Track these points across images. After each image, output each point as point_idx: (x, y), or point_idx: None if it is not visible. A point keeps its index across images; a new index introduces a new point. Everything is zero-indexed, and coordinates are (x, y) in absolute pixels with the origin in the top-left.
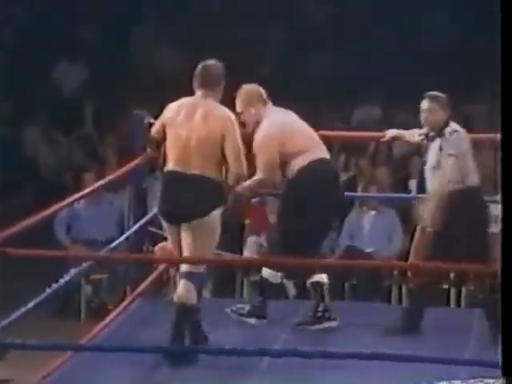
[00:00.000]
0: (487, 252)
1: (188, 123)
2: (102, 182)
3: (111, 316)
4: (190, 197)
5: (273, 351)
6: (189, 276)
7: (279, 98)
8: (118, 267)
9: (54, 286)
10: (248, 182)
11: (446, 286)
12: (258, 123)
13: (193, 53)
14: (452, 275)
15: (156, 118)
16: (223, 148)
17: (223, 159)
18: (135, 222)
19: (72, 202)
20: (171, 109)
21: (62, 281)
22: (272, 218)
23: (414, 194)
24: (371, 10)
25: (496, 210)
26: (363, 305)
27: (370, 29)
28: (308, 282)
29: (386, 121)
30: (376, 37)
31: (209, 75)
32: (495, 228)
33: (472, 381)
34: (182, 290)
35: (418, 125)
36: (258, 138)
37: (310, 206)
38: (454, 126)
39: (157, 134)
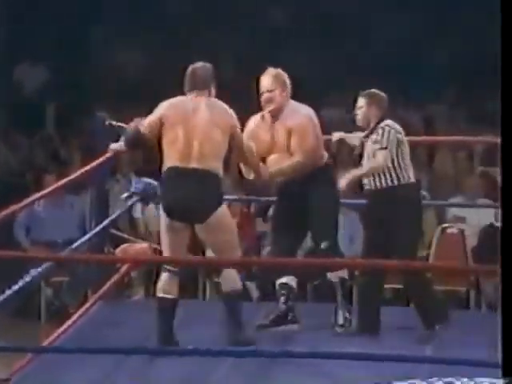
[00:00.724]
0: (416, 249)
1: (190, 119)
2: (61, 182)
3: (72, 318)
4: (198, 192)
5: (235, 351)
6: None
7: (242, 100)
8: (78, 270)
9: (14, 287)
10: (286, 164)
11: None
12: (281, 108)
13: (154, 53)
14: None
15: (117, 120)
16: (231, 140)
17: (228, 152)
18: (97, 224)
19: (31, 203)
20: (168, 106)
21: (21, 282)
22: (235, 220)
23: None
24: (333, 10)
25: (455, 211)
26: (325, 306)
27: (333, 29)
28: (277, 283)
29: (349, 121)
30: (338, 37)
31: (197, 78)
32: (453, 228)
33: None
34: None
35: None
36: (301, 120)
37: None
38: (387, 121)
39: (149, 133)
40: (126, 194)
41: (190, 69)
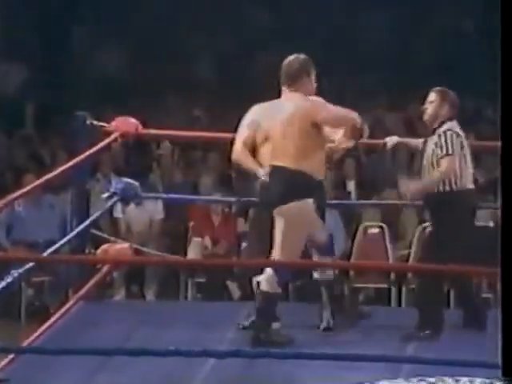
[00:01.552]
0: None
1: (277, 119)
2: (41, 181)
3: (53, 319)
4: (275, 192)
5: (217, 352)
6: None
7: (220, 99)
8: (59, 270)
9: None
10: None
11: (386, 286)
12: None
13: (135, 53)
14: (393, 275)
15: (98, 119)
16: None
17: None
18: (77, 225)
19: (11, 203)
20: (258, 110)
21: (2, 283)
22: (216, 220)
23: (353, 194)
24: (310, 11)
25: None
26: (307, 306)
27: (310, 30)
28: (254, 281)
29: None
30: (315, 37)
31: (288, 71)
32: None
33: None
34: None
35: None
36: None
37: None
38: (450, 124)
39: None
40: (106, 194)
41: (283, 63)
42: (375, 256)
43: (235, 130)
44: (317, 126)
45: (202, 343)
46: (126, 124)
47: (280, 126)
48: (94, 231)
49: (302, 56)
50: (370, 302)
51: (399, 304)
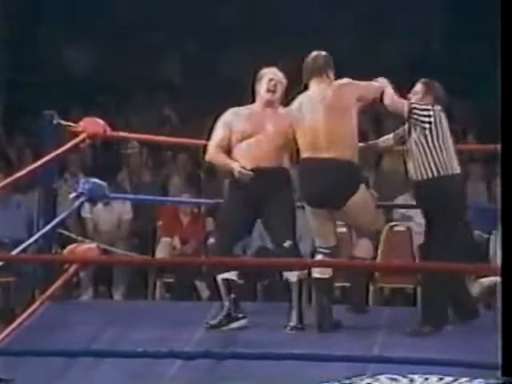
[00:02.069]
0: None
1: (315, 113)
2: (7, 180)
3: (19, 320)
4: (333, 180)
5: (184, 353)
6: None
7: (189, 99)
8: (25, 270)
9: None
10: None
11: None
12: None
13: (102, 53)
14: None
15: (66, 119)
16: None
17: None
18: (45, 224)
19: None
20: (293, 106)
21: None
22: (184, 219)
23: None
24: (279, 10)
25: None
26: (276, 305)
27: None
28: (219, 279)
29: None
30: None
31: (315, 64)
32: (400, 226)
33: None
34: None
35: None
36: None
37: None
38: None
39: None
40: (74, 194)
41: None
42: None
43: (205, 130)
44: (356, 109)
45: (169, 343)
46: (93, 125)
47: (324, 115)
48: (61, 231)
49: (324, 52)
50: (337, 302)
51: (366, 303)
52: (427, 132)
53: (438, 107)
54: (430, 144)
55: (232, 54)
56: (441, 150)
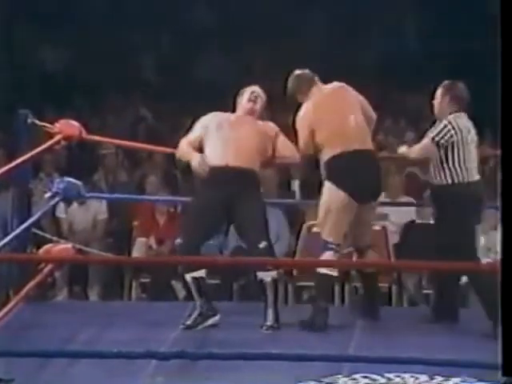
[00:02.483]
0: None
1: (338, 109)
2: None
3: None
4: (375, 174)
5: (159, 354)
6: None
7: (166, 99)
8: None
9: None
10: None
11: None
12: None
13: (78, 52)
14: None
15: (41, 118)
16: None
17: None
18: (19, 224)
19: None
20: (313, 105)
21: None
22: (161, 219)
23: (297, 194)
24: (255, 10)
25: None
26: (252, 305)
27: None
28: (188, 277)
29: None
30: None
31: (308, 75)
32: (376, 225)
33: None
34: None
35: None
36: None
37: None
38: (452, 116)
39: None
40: (48, 194)
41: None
42: (318, 254)
43: (181, 130)
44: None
45: (145, 343)
46: (69, 127)
47: (345, 109)
48: (35, 231)
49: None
50: (314, 301)
51: (342, 301)
52: (449, 150)
53: (453, 116)
54: (450, 159)
55: (208, 55)
56: (459, 165)
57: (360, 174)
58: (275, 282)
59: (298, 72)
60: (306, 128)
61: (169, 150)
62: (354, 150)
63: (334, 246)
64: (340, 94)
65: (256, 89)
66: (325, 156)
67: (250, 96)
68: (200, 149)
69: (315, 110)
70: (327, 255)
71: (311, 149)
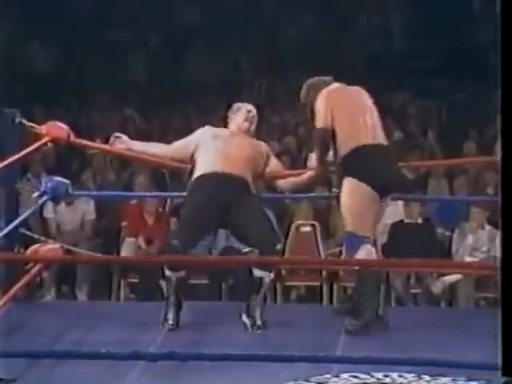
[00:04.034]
0: None
1: (356, 103)
2: None
3: None
4: (397, 167)
5: (147, 354)
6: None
7: (152, 99)
8: None
9: None
10: None
11: (318, 283)
12: None
13: (64, 51)
14: (324, 273)
15: (28, 118)
16: None
17: None
18: (6, 224)
19: None
20: (330, 97)
21: None
22: (149, 219)
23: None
24: (242, 10)
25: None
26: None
27: (242, 29)
28: (173, 276)
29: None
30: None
31: (315, 81)
32: None
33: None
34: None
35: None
36: None
37: None
38: None
39: (329, 128)
40: (36, 193)
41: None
42: (307, 254)
43: (169, 131)
44: None
45: (133, 344)
46: (57, 129)
47: (362, 106)
48: (23, 231)
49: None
50: (302, 300)
51: (331, 302)
52: None
53: None
54: None
55: (196, 55)
56: None
57: (382, 167)
58: (273, 282)
59: (309, 80)
60: (325, 106)
61: (156, 161)
62: (373, 144)
63: (367, 240)
64: (356, 91)
65: (251, 108)
66: (343, 150)
67: (247, 116)
68: (190, 157)
69: (332, 95)
70: (365, 249)
71: (329, 122)
